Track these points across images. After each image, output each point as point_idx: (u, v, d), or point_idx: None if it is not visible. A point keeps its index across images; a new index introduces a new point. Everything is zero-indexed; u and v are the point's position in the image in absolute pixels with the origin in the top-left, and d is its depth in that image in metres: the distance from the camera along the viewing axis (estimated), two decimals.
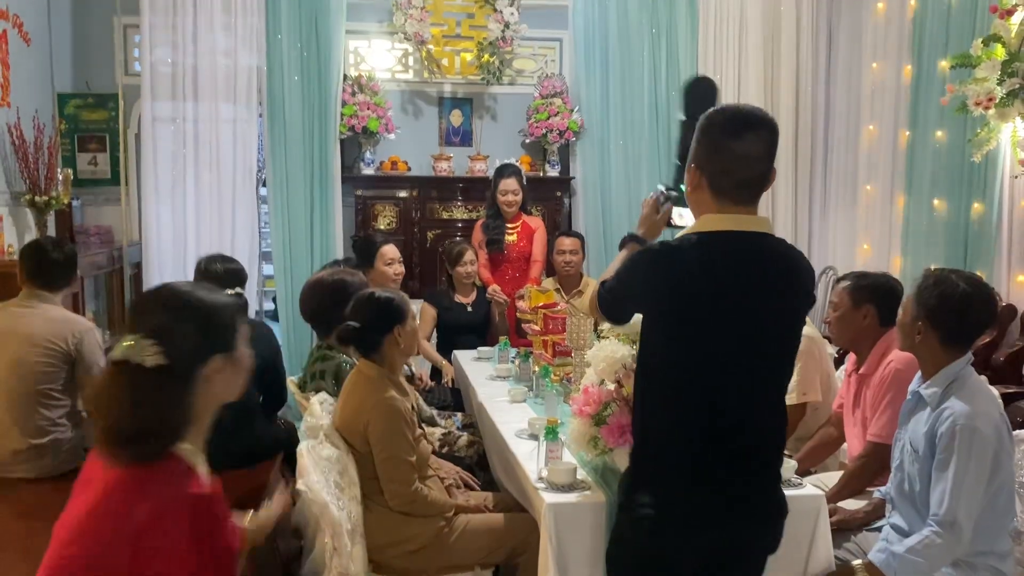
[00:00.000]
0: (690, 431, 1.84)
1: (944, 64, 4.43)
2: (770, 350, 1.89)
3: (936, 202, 4.64)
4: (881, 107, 5.22)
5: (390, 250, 4.22)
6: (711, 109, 1.87)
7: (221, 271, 3.46)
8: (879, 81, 5.25)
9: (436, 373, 4.53)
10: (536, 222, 5.06)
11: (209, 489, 1.45)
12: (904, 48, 4.99)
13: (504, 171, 4.99)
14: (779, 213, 5.96)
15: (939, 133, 4.62)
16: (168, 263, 5.22)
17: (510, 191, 4.91)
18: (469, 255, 4.59)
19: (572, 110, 5.75)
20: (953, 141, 4.53)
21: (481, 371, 3.94)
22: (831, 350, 3.45)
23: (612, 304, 2.01)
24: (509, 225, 4.99)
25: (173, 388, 1.44)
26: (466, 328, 4.55)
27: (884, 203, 5.21)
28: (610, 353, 2.44)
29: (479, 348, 4.32)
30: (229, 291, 3.39)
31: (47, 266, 3.28)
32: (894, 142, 5.11)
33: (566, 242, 4.67)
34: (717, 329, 1.82)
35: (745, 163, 1.81)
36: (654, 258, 1.88)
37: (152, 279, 5.20)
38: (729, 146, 1.80)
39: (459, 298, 4.63)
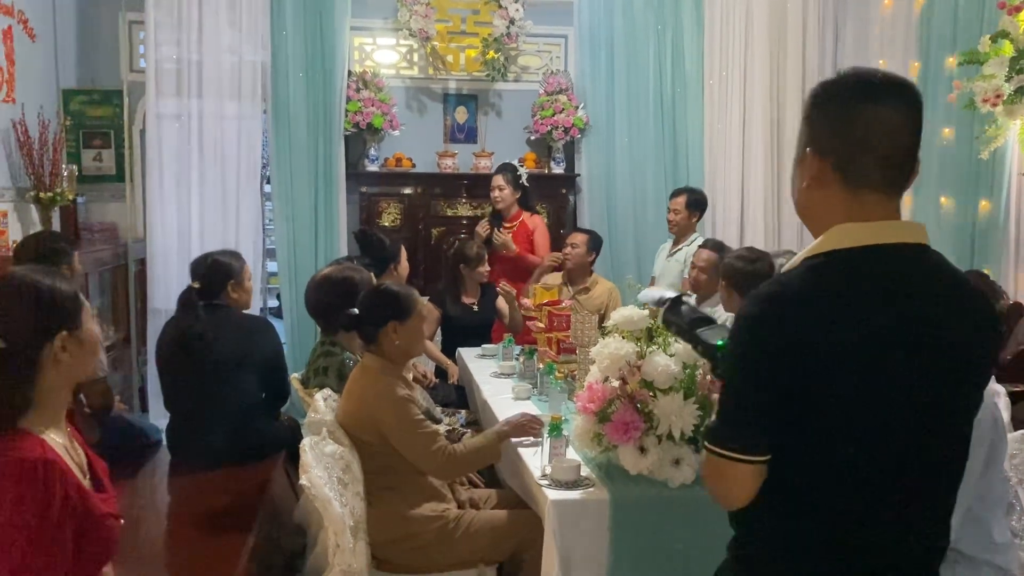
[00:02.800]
0: (828, 545, 1.34)
1: (951, 61, 4.41)
2: (942, 424, 1.33)
3: (943, 200, 4.62)
4: None
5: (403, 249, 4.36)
6: (825, 80, 1.39)
7: (203, 270, 3.47)
8: None
9: (441, 371, 4.52)
10: (535, 222, 5.10)
11: (40, 454, 1.49)
12: (911, 45, 4.97)
13: (497, 168, 5.18)
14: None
15: (946, 130, 4.59)
16: (173, 259, 5.21)
17: (496, 186, 5.05)
18: (486, 259, 4.60)
19: (577, 107, 5.74)
20: (960, 138, 4.50)
21: (485, 368, 3.93)
22: None
23: (732, 431, 1.34)
24: (506, 224, 5.06)
25: (15, 369, 1.51)
26: (471, 329, 4.53)
27: None
28: (615, 350, 2.43)
29: (483, 345, 4.31)
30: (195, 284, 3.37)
31: (35, 260, 3.29)
32: None
33: (572, 236, 4.78)
34: (866, 401, 1.28)
35: (890, 133, 1.30)
36: (754, 320, 1.31)
37: (156, 275, 5.19)
38: (866, 112, 1.30)
39: (465, 299, 4.61)
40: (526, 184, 5.10)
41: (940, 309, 1.30)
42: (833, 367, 1.26)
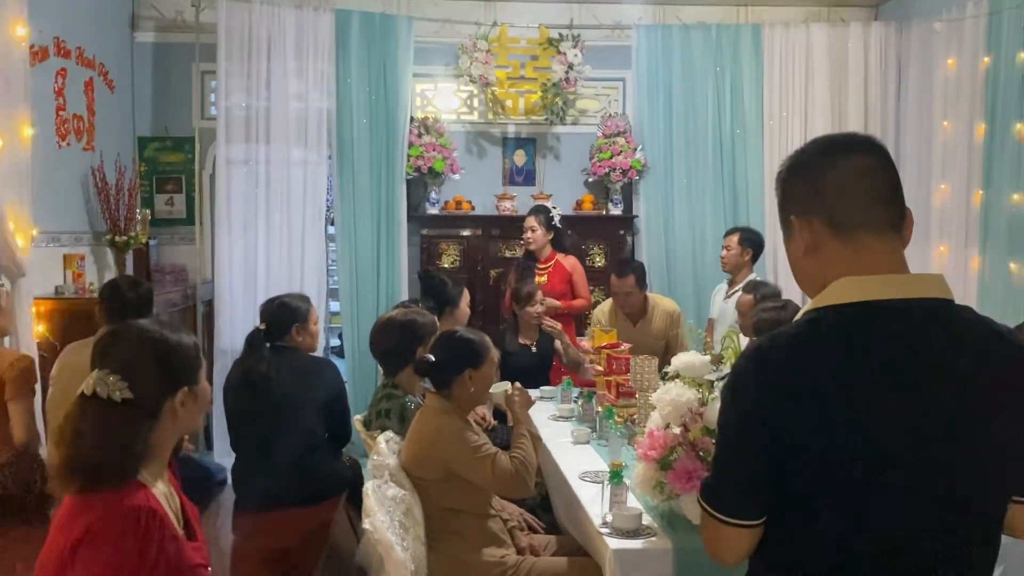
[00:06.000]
0: None
1: (1021, 127, 4.38)
2: (975, 509, 1.24)
3: (1012, 266, 4.51)
4: (952, 165, 5.05)
5: (466, 292, 4.37)
6: (788, 156, 1.40)
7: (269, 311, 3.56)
8: (951, 139, 5.09)
9: (500, 413, 4.52)
10: (571, 263, 5.07)
11: (145, 503, 1.50)
12: (977, 97, 4.85)
13: (530, 210, 5.19)
14: None
15: (1016, 196, 4.49)
16: (239, 300, 5.35)
17: (528, 227, 5.04)
18: (540, 296, 4.57)
19: (635, 149, 5.76)
20: None
21: (543, 411, 3.91)
22: None
23: (721, 492, 1.31)
24: (540, 265, 5.05)
25: (138, 421, 1.54)
26: (529, 370, 4.51)
27: (958, 263, 4.99)
28: (676, 397, 2.40)
29: (541, 387, 4.30)
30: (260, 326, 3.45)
31: (123, 305, 3.40)
32: (967, 201, 4.94)
33: (617, 283, 4.54)
34: (851, 465, 1.20)
35: (865, 175, 1.29)
36: (737, 376, 1.29)
37: (224, 316, 5.34)
38: (836, 164, 1.30)
39: (523, 340, 4.61)
40: (559, 226, 5.08)
41: (956, 368, 1.22)
42: (817, 428, 1.19)
